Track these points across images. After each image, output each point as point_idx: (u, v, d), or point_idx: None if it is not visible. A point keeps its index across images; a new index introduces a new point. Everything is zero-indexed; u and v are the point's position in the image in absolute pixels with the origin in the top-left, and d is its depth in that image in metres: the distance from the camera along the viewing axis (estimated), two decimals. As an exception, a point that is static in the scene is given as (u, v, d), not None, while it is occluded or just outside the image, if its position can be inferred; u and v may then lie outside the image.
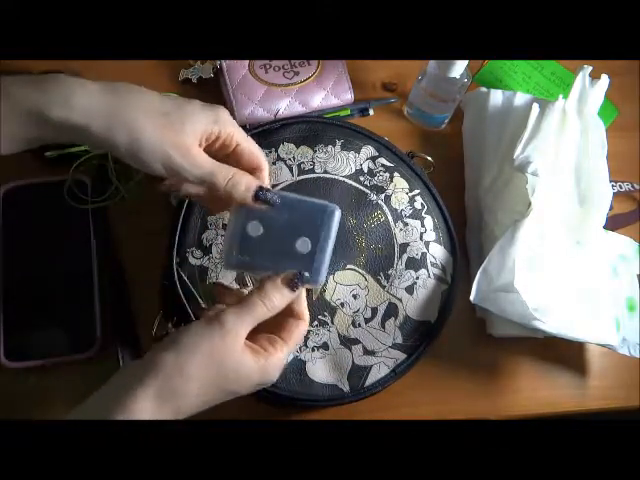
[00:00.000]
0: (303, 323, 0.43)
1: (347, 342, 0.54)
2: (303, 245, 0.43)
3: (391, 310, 0.55)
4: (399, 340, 0.54)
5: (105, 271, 0.57)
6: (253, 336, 0.41)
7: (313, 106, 0.65)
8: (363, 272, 0.55)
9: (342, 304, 0.54)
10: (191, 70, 0.66)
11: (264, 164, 0.44)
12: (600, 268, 0.60)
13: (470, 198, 0.65)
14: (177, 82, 0.66)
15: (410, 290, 0.55)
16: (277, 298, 0.41)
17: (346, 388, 0.53)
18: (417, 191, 0.58)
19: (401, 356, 0.54)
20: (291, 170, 0.56)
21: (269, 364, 0.40)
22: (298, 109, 0.65)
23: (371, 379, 0.53)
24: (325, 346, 0.53)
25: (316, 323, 0.53)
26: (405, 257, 0.56)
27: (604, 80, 0.62)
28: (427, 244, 0.57)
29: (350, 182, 0.57)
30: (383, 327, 0.54)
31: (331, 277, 0.54)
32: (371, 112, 0.68)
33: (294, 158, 0.57)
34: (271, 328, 0.43)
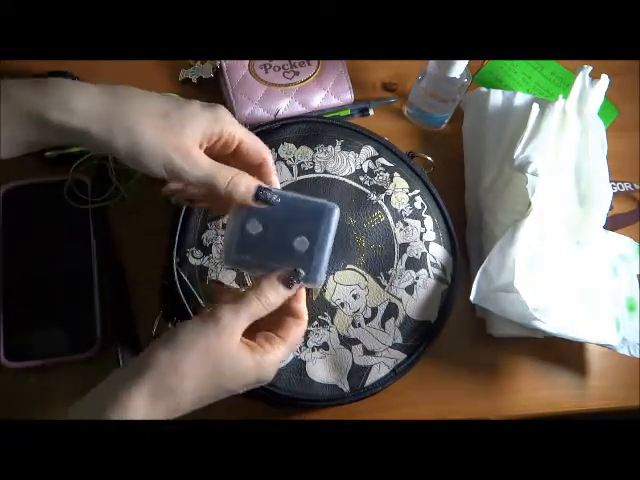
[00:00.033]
0: (302, 322, 0.43)
1: (347, 342, 0.54)
2: (302, 244, 0.43)
3: (391, 310, 0.55)
4: (399, 340, 0.54)
5: (105, 271, 0.57)
6: (251, 334, 0.41)
7: (313, 106, 0.65)
8: (363, 272, 0.55)
9: (342, 304, 0.54)
10: (191, 70, 0.66)
11: (268, 158, 0.44)
12: (600, 268, 0.60)
13: (470, 198, 0.65)
14: (177, 82, 0.66)
15: (410, 290, 0.55)
16: (273, 295, 0.41)
17: (346, 388, 0.53)
18: (417, 191, 0.58)
19: (401, 356, 0.54)
20: (291, 170, 0.56)
21: (265, 361, 0.40)
22: (298, 109, 0.65)
23: (371, 379, 0.53)
24: (325, 346, 0.53)
25: (316, 323, 0.53)
26: (405, 257, 0.56)
27: (604, 80, 0.62)
28: (427, 244, 0.57)
29: (350, 182, 0.57)
30: (383, 327, 0.54)
31: (331, 277, 0.54)
32: (371, 112, 0.68)
33: (294, 158, 0.57)
34: (270, 327, 0.43)
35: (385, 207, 0.57)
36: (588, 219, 0.60)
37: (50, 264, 0.57)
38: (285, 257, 0.43)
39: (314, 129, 0.58)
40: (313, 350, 0.53)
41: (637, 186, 0.68)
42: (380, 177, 0.58)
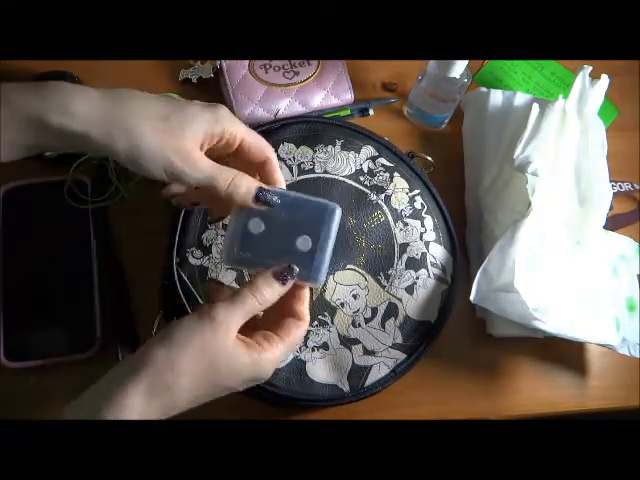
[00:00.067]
0: (303, 324, 0.43)
1: (347, 342, 0.54)
2: (303, 243, 0.43)
3: (391, 310, 0.55)
4: (399, 340, 0.54)
5: (105, 271, 0.57)
6: (249, 333, 0.41)
7: (313, 106, 0.65)
8: (363, 272, 0.55)
9: (342, 304, 0.54)
10: (191, 70, 0.66)
11: (272, 156, 0.44)
12: (600, 268, 0.60)
13: (470, 198, 0.65)
14: (177, 82, 0.66)
15: (410, 290, 0.55)
16: (268, 292, 0.41)
17: (346, 388, 0.53)
18: (417, 191, 0.58)
19: (401, 356, 0.54)
20: (291, 170, 0.56)
21: (262, 358, 0.40)
22: (298, 109, 0.65)
23: (371, 379, 0.53)
24: (325, 346, 0.53)
25: (316, 323, 0.53)
26: (405, 257, 0.56)
27: (604, 80, 0.62)
28: (427, 244, 0.57)
29: (350, 182, 0.57)
30: (383, 327, 0.54)
31: (331, 277, 0.54)
32: (371, 112, 0.68)
33: (294, 158, 0.57)
34: (270, 327, 0.43)
35: (385, 207, 0.57)
36: (588, 219, 0.60)
37: (50, 264, 0.57)
38: (287, 257, 0.43)
39: (314, 129, 0.58)
40: (313, 350, 0.53)
41: (637, 186, 0.68)
42: (380, 177, 0.58)
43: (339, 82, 0.66)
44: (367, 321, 0.54)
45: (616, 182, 0.67)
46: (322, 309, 0.54)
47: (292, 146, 0.57)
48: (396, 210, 0.57)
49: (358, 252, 0.55)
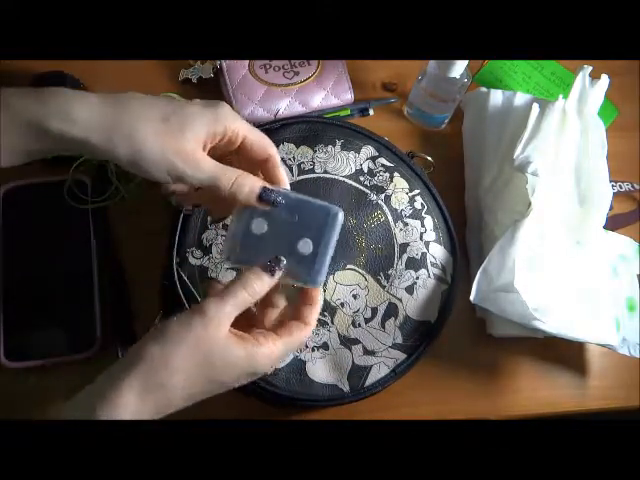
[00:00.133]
0: (306, 327, 0.43)
1: (347, 342, 0.54)
2: (305, 246, 0.43)
3: (391, 310, 0.55)
4: (399, 340, 0.54)
5: (105, 271, 0.57)
6: (247, 331, 0.41)
7: (313, 106, 0.65)
8: (363, 272, 0.55)
9: (342, 304, 0.54)
10: (191, 70, 0.66)
11: (274, 154, 0.44)
12: (600, 268, 0.60)
13: (470, 198, 0.65)
14: (177, 82, 0.66)
15: (410, 290, 0.55)
16: (258, 284, 0.41)
17: (346, 388, 0.53)
18: (417, 191, 0.58)
19: (401, 356, 0.54)
20: (291, 170, 0.56)
21: (257, 352, 0.40)
22: (298, 109, 0.65)
23: (371, 379, 0.53)
24: (325, 346, 0.53)
25: (316, 323, 0.53)
26: (405, 257, 0.56)
27: (604, 80, 0.62)
28: (427, 244, 0.57)
29: (350, 182, 0.57)
30: (383, 327, 0.54)
31: (331, 277, 0.54)
32: (371, 112, 0.67)
33: (294, 158, 0.57)
34: (273, 329, 0.43)
35: (385, 207, 0.57)
36: (588, 219, 0.60)
37: (50, 264, 0.57)
38: (287, 258, 0.43)
39: (314, 129, 0.58)
40: (313, 350, 0.53)
41: (637, 186, 0.68)
42: (380, 177, 0.58)
43: (339, 82, 0.66)
44: (367, 321, 0.54)
45: (616, 182, 0.67)
46: (322, 309, 0.54)
47: (292, 146, 0.57)
48: (396, 210, 0.57)
49: (358, 252, 0.55)
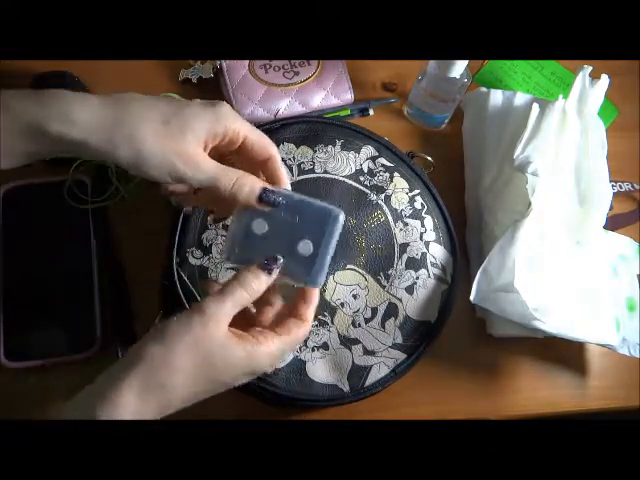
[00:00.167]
0: (305, 325, 0.43)
1: (347, 342, 0.54)
2: (305, 247, 0.43)
3: (391, 310, 0.55)
4: (399, 340, 0.54)
5: (105, 271, 0.57)
6: (246, 329, 0.41)
7: (313, 106, 0.65)
8: (363, 272, 0.55)
9: (342, 304, 0.54)
10: (191, 70, 0.66)
11: (275, 154, 0.44)
12: (600, 268, 0.60)
13: (470, 198, 0.65)
14: (177, 82, 0.66)
15: (410, 290, 0.55)
16: (255, 283, 0.41)
17: (346, 388, 0.53)
18: (417, 191, 0.58)
19: (401, 356, 0.54)
20: (291, 170, 0.56)
21: (256, 350, 0.40)
22: (298, 109, 0.65)
23: (371, 379, 0.53)
24: (325, 346, 0.53)
25: (316, 323, 0.53)
26: (405, 257, 0.56)
27: (604, 80, 0.62)
28: (427, 244, 0.57)
29: (350, 182, 0.57)
30: (383, 327, 0.54)
31: (331, 277, 0.54)
32: (371, 112, 0.68)
33: (294, 158, 0.57)
34: (271, 327, 0.43)
35: (385, 207, 0.57)
36: (588, 219, 0.60)
37: (50, 264, 0.57)
38: (287, 259, 0.43)
39: (314, 129, 0.58)
40: (313, 350, 0.53)
41: (637, 186, 0.68)
42: (380, 177, 0.58)
43: (339, 82, 0.66)
44: (367, 321, 0.54)
45: (616, 182, 0.67)
46: (322, 309, 0.54)
47: (292, 146, 0.57)
48: (396, 210, 0.57)
49: (358, 252, 0.55)
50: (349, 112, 0.67)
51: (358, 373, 0.53)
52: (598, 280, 0.59)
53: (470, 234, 0.64)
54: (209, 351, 0.38)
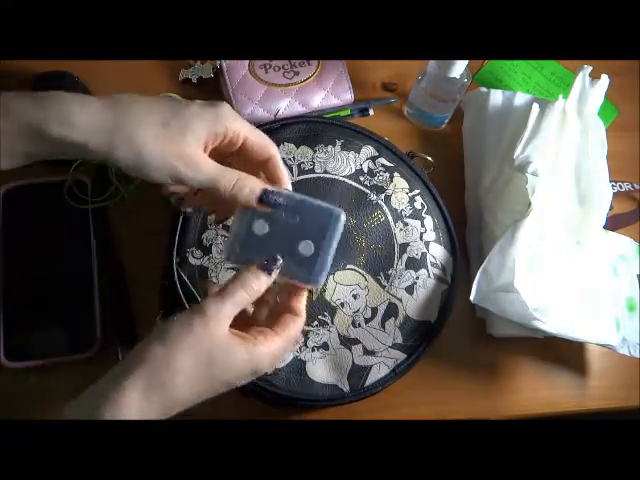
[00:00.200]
0: (299, 319, 0.43)
1: (347, 342, 0.54)
2: (306, 248, 0.43)
3: (391, 310, 0.55)
4: (399, 340, 0.54)
5: (105, 271, 0.57)
6: (245, 329, 0.41)
7: (313, 106, 0.65)
8: (363, 272, 0.55)
9: (342, 304, 0.54)
10: (191, 70, 0.66)
11: (275, 154, 0.44)
12: (600, 268, 0.60)
13: (470, 198, 0.65)
14: (177, 82, 0.66)
15: (410, 290, 0.55)
16: (255, 283, 0.41)
17: (346, 388, 0.53)
18: (417, 191, 0.58)
19: (401, 356, 0.54)
20: (291, 170, 0.56)
21: (258, 351, 0.40)
22: (298, 109, 0.65)
23: (371, 379, 0.53)
24: (325, 346, 0.53)
25: (316, 323, 0.53)
26: (405, 257, 0.56)
27: (604, 80, 0.62)
28: (427, 244, 0.57)
29: (350, 182, 0.57)
30: (383, 327, 0.54)
31: (331, 277, 0.54)
32: (371, 112, 0.68)
33: (294, 158, 0.57)
34: (267, 324, 0.43)
35: (385, 207, 0.57)
36: (588, 219, 0.60)
37: (50, 264, 0.57)
38: (289, 259, 0.43)
39: (314, 129, 0.58)
40: (313, 350, 0.53)
41: (637, 186, 0.68)
42: (380, 177, 0.58)
43: (339, 82, 0.66)
44: (367, 321, 0.54)
45: (616, 182, 0.67)
46: (322, 309, 0.54)
47: (292, 146, 0.57)
48: (396, 210, 0.57)
49: (358, 252, 0.55)
50: (349, 112, 0.67)
51: (358, 373, 0.53)
52: (598, 280, 0.59)
53: (470, 234, 0.64)
54: (210, 352, 0.38)
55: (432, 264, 0.56)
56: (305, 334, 0.53)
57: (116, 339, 0.55)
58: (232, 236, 0.44)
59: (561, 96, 0.61)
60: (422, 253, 0.56)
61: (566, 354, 0.62)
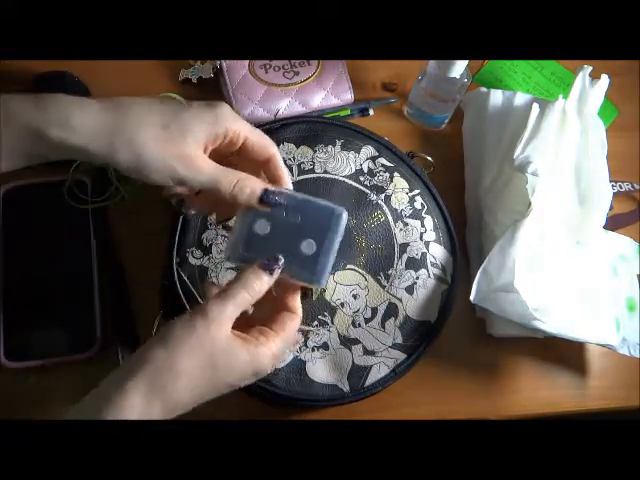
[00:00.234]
0: (296, 317, 0.43)
1: (347, 342, 0.54)
2: (308, 247, 0.43)
3: (391, 310, 0.55)
4: (399, 340, 0.54)
5: (105, 271, 0.57)
6: (245, 329, 0.41)
7: (313, 106, 0.65)
8: (363, 272, 0.55)
9: (342, 304, 0.54)
10: (191, 70, 0.66)
11: (276, 154, 0.44)
12: (600, 268, 0.60)
13: (470, 198, 0.65)
14: (177, 82, 0.66)
15: (410, 290, 0.55)
16: (257, 284, 0.41)
17: (346, 388, 0.53)
18: (417, 191, 0.58)
19: (401, 356, 0.54)
20: (291, 170, 0.56)
21: (259, 352, 0.40)
22: (298, 109, 0.65)
23: (371, 379, 0.53)
24: (325, 346, 0.53)
25: (316, 323, 0.53)
26: (405, 257, 0.56)
27: (604, 80, 0.62)
28: (427, 244, 0.57)
29: (350, 182, 0.57)
30: (383, 327, 0.54)
31: (331, 277, 0.54)
32: (371, 112, 0.67)
33: (294, 158, 0.57)
34: (264, 322, 0.43)
35: (385, 207, 0.57)
36: (588, 219, 0.60)
37: (50, 264, 0.57)
38: (291, 258, 0.43)
39: (314, 129, 0.58)
40: (313, 350, 0.53)
41: (637, 186, 0.68)
42: (380, 177, 0.58)
43: (339, 82, 0.66)
44: (367, 321, 0.54)
45: (616, 182, 0.67)
46: (322, 309, 0.54)
47: (292, 146, 0.57)
48: (396, 210, 0.57)
49: (358, 252, 0.55)
50: (349, 112, 0.67)
51: (358, 373, 0.53)
52: (598, 280, 0.59)
53: (470, 234, 0.64)
54: (213, 354, 0.38)
55: (432, 264, 0.56)
56: (305, 334, 0.53)
57: (116, 339, 0.55)
58: (233, 236, 0.44)
59: (561, 96, 0.61)
60: (422, 253, 0.56)
61: (566, 354, 0.62)
